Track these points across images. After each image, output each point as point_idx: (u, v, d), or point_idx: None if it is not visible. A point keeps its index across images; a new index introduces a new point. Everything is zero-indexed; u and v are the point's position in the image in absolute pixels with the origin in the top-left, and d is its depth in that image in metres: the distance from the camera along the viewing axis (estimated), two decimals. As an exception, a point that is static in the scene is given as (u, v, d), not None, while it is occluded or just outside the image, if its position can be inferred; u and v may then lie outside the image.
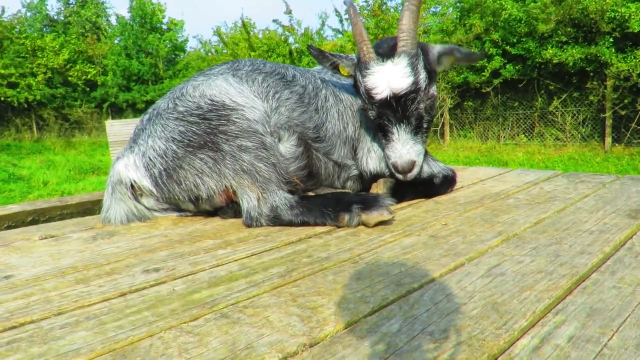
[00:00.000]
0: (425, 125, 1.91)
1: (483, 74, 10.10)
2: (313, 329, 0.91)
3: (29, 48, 18.75)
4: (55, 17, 22.14)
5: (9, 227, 2.07)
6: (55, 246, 1.60)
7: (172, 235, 1.67)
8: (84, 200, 2.34)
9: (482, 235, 1.47)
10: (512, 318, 0.92)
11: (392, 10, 12.53)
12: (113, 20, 23.08)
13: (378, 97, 1.82)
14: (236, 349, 0.85)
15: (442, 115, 11.37)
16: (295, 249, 1.44)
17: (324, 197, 1.81)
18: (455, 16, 11.23)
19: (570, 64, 8.68)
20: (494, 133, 11.00)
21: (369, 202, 1.66)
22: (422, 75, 1.82)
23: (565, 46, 8.86)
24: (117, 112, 20.38)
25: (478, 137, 11.27)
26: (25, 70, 18.65)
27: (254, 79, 1.92)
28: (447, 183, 2.15)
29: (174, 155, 1.72)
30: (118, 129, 8.11)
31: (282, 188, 1.76)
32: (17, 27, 19.67)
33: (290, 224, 1.72)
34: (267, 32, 16.15)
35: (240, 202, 1.75)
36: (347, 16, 13.73)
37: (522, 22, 9.23)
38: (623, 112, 8.73)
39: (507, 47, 9.66)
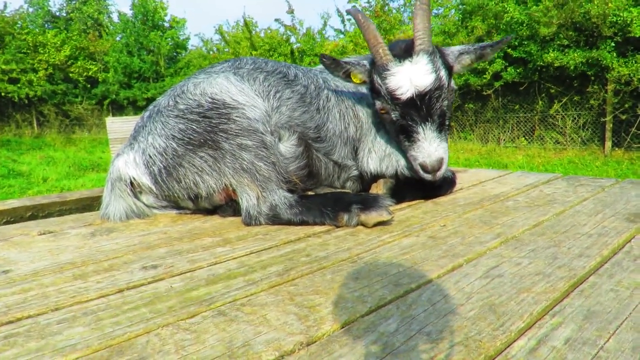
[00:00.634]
0: (447, 123, 1.88)
1: (484, 76, 10.12)
2: (310, 328, 0.91)
3: (30, 44, 18.73)
4: (57, 14, 22.11)
5: (8, 222, 2.07)
6: (54, 242, 1.60)
7: (171, 233, 1.67)
8: (83, 197, 2.34)
9: (481, 237, 1.47)
10: (509, 319, 0.92)
11: (394, 11, 12.53)
12: (115, 17, 23.02)
13: (403, 96, 1.78)
14: (233, 346, 0.85)
15: (442, 117, 11.36)
16: (294, 248, 1.44)
17: (323, 196, 1.81)
18: (457, 18, 11.25)
19: (572, 67, 8.68)
20: (494, 135, 11.01)
21: (368, 203, 1.66)
22: (443, 71, 1.81)
23: (566, 50, 8.87)
24: (118, 109, 20.36)
25: (478, 139, 11.27)
26: (26, 66, 18.63)
27: (255, 77, 1.92)
28: (446, 184, 2.15)
29: (174, 153, 1.72)
30: (118, 126, 8.10)
31: (281, 187, 1.76)
32: (19, 22, 19.64)
33: (289, 223, 1.72)
34: (269, 31, 16.15)
35: (240, 200, 1.75)
36: (349, 17, 13.73)
37: (524, 25, 9.24)
38: (623, 117, 8.74)
39: (509, 50, 9.67)
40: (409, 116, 1.81)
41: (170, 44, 20.35)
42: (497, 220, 1.68)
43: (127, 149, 1.84)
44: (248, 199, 1.72)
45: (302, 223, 1.71)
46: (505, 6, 9.47)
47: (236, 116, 1.72)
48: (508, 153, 9.85)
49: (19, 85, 18.52)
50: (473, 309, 0.97)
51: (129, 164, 1.79)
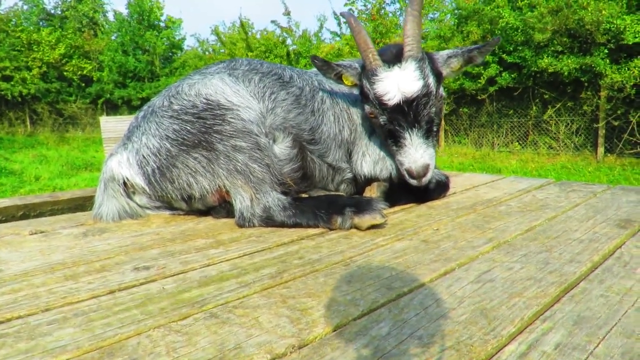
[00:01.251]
0: (435, 129, 1.89)
1: (479, 81, 10.18)
2: (302, 331, 0.91)
3: (24, 41, 18.61)
4: (52, 12, 21.99)
5: (-1, 221, 2.05)
6: (45, 242, 1.59)
7: (164, 234, 1.66)
8: (76, 196, 2.33)
9: (474, 241, 1.48)
10: (501, 324, 0.92)
11: (390, 15, 12.58)
12: (110, 16, 23.00)
13: (390, 102, 1.79)
14: (225, 349, 0.85)
15: (437, 120, 11.41)
16: (287, 250, 1.44)
17: (317, 199, 1.81)
18: (453, 23, 11.31)
19: (565, 73, 8.76)
20: (488, 140, 11.07)
21: (362, 206, 1.67)
22: (431, 78, 1.82)
23: (560, 56, 8.94)
24: (112, 108, 20.27)
25: (472, 143, 11.33)
26: (20, 64, 18.51)
27: (250, 78, 1.92)
28: (440, 188, 2.16)
29: (168, 153, 1.72)
30: (112, 125, 8.08)
31: (275, 189, 1.76)
32: (13, 20, 19.51)
33: (283, 225, 1.72)
34: (265, 32, 16.17)
35: (233, 202, 1.75)
36: (345, 20, 13.75)
37: (519, 30, 9.31)
38: (616, 123, 8.82)
39: (504, 55, 9.74)
40: (396, 121, 1.82)
41: (165, 43, 20.30)
42: (489, 224, 1.69)
43: (121, 149, 1.83)
44: (242, 200, 1.72)
45: (296, 225, 1.71)
46: (501, 12, 9.54)
47: (231, 117, 1.72)
48: (502, 157, 9.91)
49: (12, 83, 18.40)
50: (465, 313, 0.98)
51: (122, 164, 1.78)
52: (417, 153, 1.81)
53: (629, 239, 1.50)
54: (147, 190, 1.79)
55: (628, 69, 8.11)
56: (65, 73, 19.62)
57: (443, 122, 11.54)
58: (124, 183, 1.81)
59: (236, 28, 17.32)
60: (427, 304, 1.02)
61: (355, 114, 2.13)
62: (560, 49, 8.97)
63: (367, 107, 1.93)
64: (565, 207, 1.93)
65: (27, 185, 7.70)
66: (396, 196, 2.03)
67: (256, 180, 1.71)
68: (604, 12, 8.06)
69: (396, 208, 2.00)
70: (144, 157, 1.75)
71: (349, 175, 2.15)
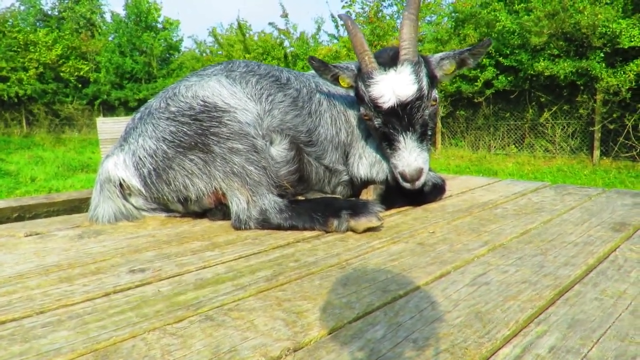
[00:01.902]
0: (429, 133, 1.90)
1: (476, 84, 10.21)
2: (297, 334, 0.91)
3: (21, 42, 18.53)
4: (50, 12, 21.92)
5: (-6, 223, 2.04)
6: (41, 244, 1.58)
7: (160, 236, 1.66)
8: (72, 198, 2.32)
9: (469, 244, 1.48)
10: (495, 327, 0.93)
11: (387, 17, 12.62)
12: (108, 17, 22.88)
13: (385, 105, 1.79)
14: (220, 351, 0.84)
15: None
16: (283, 252, 1.44)
17: (313, 201, 1.81)
18: (449, 26, 11.35)
19: (562, 77, 8.80)
20: (484, 143, 11.10)
21: (358, 209, 1.67)
22: (425, 81, 1.82)
23: (556, 59, 8.99)
24: (109, 109, 20.21)
25: (469, 146, 11.36)
26: (16, 65, 18.43)
27: (247, 80, 1.92)
28: (436, 191, 2.17)
29: (164, 155, 1.71)
30: (109, 126, 8.04)
31: (271, 191, 1.76)
32: (10, 20, 19.44)
33: (279, 227, 1.72)
34: (263, 34, 16.17)
35: (230, 204, 1.75)
36: (342, 22, 13.77)
37: (516, 34, 9.36)
38: (611, 126, 8.87)
39: (500, 58, 9.78)
40: (391, 124, 1.83)
41: (163, 45, 20.25)
42: (485, 227, 1.69)
43: (117, 151, 1.83)
44: (238, 203, 1.72)
45: (292, 228, 1.71)
46: (497, 15, 9.58)
47: (227, 120, 1.72)
48: (498, 160, 9.94)
49: (8, 83, 18.32)
50: (459, 316, 0.98)
51: (118, 166, 1.78)
52: (410, 157, 1.81)
53: (624, 242, 1.50)
54: (144, 192, 1.79)
55: (624, 73, 8.16)
56: (62, 74, 19.54)
57: (440, 125, 11.58)
58: (120, 184, 1.81)
59: (234, 30, 17.32)
60: (422, 306, 1.03)
61: (353, 116, 2.14)
62: (556, 52, 9.01)
63: (362, 109, 1.94)
64: (561, 210, 1.94)
65: (22, 186, 7.66)
66: (392, 199, 2.04)
67: (252, 183, 1.71)
68: (600, 16, 8.11)
69: (392, 211, 2.01)
70: (140, 158, 1.75)
71: (346, 177, 2.16)
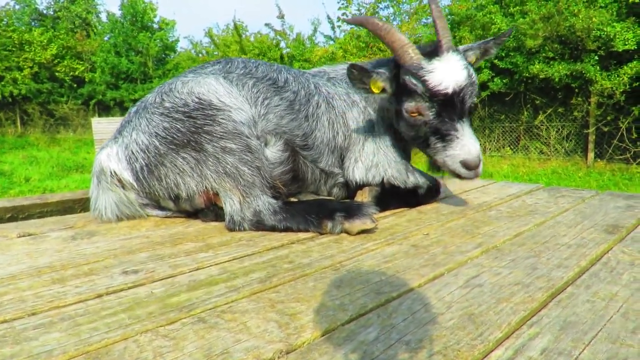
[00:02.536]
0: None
1: (471, 86, 10.24)
2: (290, 336, 0.91)
3: (16, 41, 18.44)
4: (45, 12, 21.82)
5: (-14, 224, 2.02)
6: (33, 244, 1.57)
7: (153, 237, 1.65)
8: (65, 199, 2.31)
9: (463, 246, 1.49)
10: (488, 329, 0.93)
11: (384, 19, 12.63)
12: (103, 17, 22.82)
13: (447, 91, 1.74)
14: (212, 354, 0.84)
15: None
16: (277, 254, 1.44)
17: (307, 203, 1.81)
18: (445, 28, 11.37)
19: (556, 79, 8.86)
20: (480, 144, 11.14)
21: (352, 211, 1.67)
22: (472, 68, 1.84)
23: (551, 62, 9.05)
24: (104, 109, 20.13)
25: (464, 148, 11.38)
26: (11, 64, 18.33)
27: (244, 83, 1.90)
28: (431, 193, 2.17)
29: (156, 151, 1.70)
30: (104, 126, 8.02)
31: (265, 193, 1.75)
32: (5, 19, 19.34)
33: (273, 229, 1.71)
34: (259, 35, 16.17)
35: (223, 205, 1.74)
36: (339, 24, 13.80)
37: (511, 36, 9.40)
38: (606, 129, 8.94)
39: (496, 61, 9.83)
40: (446, 113, 1.78)
41: (159, 45, 20.21)
42: (479, 229, 1.70)
43: (112, 143, 1.82)
44: (232, 204, 1.71)
45: (286, 229, 1.70)
46: (493, 18, 9.63)
47: (221, 118, 1.71)
48: (493, 162, 9.98)
49: (3, 83, 18.22)
50: (452, 318, 0.98)
51: (111, 157, 1.77)
52: (470, 143, 1.78)
53: (616, 244, 1.51)
54: (135, 186, 1.77)
55: (618, 76, 8.23)
56: (57, 74, 19.46)
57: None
58: (112, 176, 1.79)
59: (230, 30, 17.29)
60: (415, 309, 1.03)
61: (351, 119, 2.12)
62: (551, 55, 9.07)
63: (409, 105, 1.83)
64: (554, 213, 1.95)
65: (16, 186, 7.62)
66: (387, 201, 2.04)
67: (245, 184, 1.70)
68: (594, 19, 8.17)
69: (387, 212, 2.01)
70: (132, 152, 1.73)
71: (341, 179, 2.15)
